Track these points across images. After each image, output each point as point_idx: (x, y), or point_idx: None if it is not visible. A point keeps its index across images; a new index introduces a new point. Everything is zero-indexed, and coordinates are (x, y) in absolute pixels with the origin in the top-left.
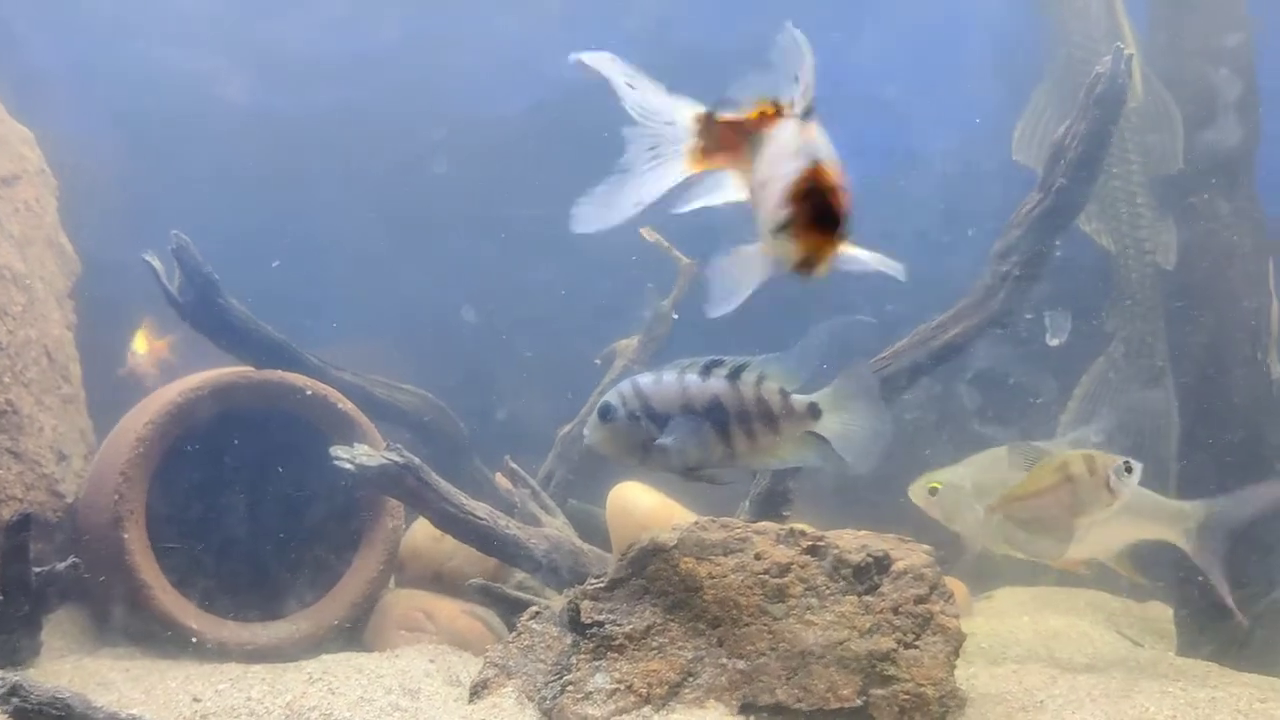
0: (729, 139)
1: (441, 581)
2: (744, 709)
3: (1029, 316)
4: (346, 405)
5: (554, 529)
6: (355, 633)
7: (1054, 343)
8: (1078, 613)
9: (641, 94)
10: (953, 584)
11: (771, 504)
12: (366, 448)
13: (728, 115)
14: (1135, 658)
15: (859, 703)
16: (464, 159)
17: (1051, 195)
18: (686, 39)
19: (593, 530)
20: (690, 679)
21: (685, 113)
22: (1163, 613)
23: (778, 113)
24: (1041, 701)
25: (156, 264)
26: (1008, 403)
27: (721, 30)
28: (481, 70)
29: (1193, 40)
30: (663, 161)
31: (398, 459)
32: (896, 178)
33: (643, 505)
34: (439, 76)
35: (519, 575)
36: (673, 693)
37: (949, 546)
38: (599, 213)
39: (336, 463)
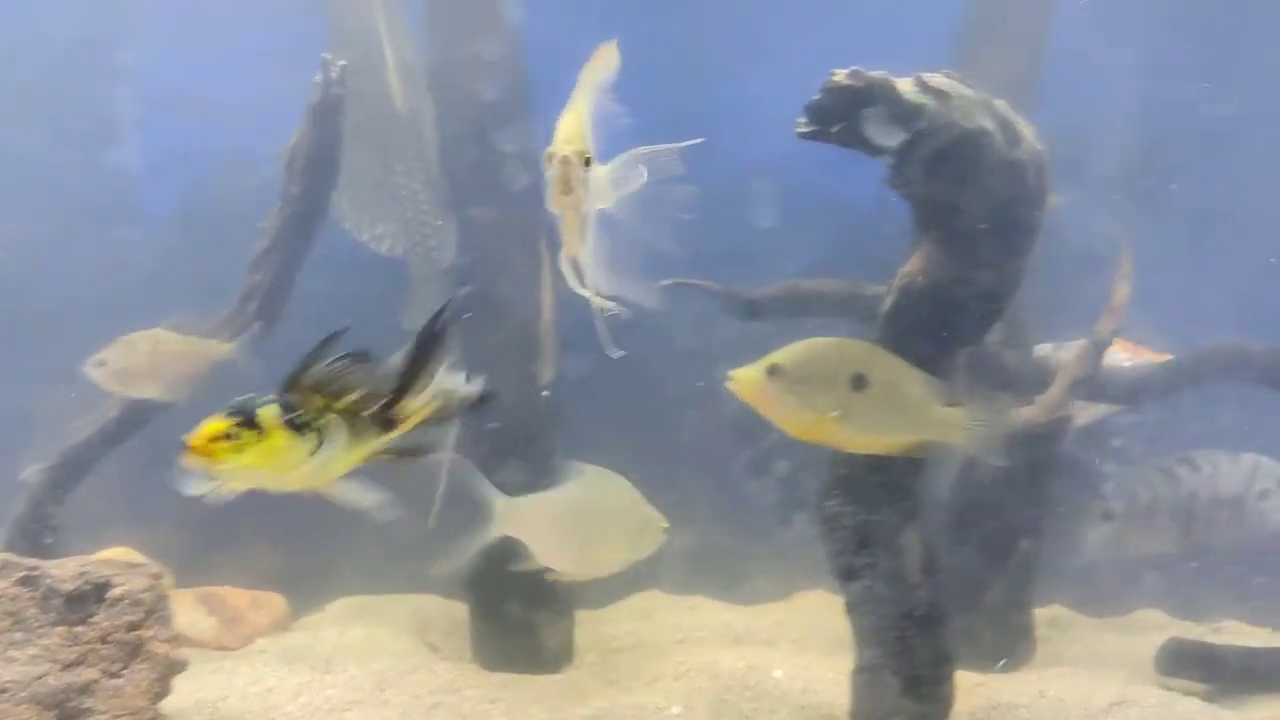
0: None
1: None
2: None
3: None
4: None
5: None
6: None
7: None
8: (392, 621)
9: None
10: (270, 598)
11: (31, 531)
12: None
13: None
14: (401, 666)
15: None
16: None
17: (290, 204)
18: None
19: None
20: None
21: None
22: None
23: None
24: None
25: None
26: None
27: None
28: None
29: (463, 52)
30: None
31: None
32: (227, 180)
33: None
34: None
35: None
36: None
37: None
38: None
39: None
